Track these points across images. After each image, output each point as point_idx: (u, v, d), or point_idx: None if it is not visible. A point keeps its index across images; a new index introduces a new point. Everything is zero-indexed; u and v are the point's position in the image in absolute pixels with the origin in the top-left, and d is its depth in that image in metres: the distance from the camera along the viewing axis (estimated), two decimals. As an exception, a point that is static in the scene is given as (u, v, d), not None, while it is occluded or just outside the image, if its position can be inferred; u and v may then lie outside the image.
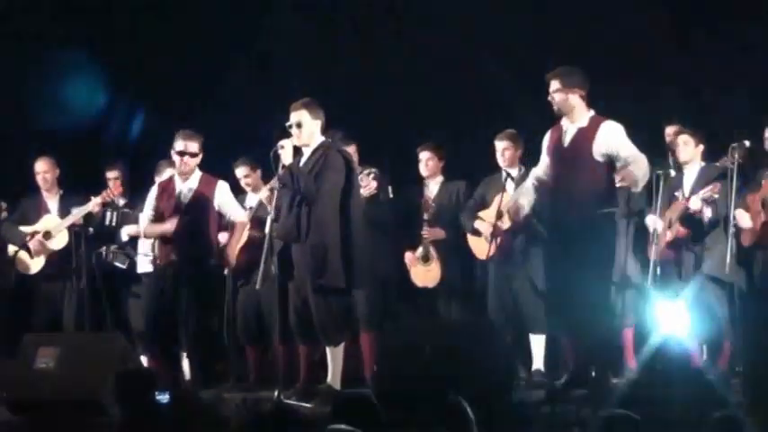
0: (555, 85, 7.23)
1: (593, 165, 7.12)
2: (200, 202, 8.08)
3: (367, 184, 8.18)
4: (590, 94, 7.26)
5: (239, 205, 8.33)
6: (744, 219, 7.87)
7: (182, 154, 8.03)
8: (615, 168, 7.14)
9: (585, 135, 7.18)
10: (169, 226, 8.02)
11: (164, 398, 4.91)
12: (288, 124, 7.43)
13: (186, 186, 8.11)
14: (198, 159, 8.10)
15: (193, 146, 8.04)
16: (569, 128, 7.26)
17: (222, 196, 8.13)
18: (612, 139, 7.12)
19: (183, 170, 8.08)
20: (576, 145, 7.20)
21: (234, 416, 6.30)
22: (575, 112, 7.23)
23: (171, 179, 8.22)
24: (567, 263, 7.10)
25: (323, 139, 7.51)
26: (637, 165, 7.09)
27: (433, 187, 8.79)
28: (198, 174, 8.13)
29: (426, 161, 8.75)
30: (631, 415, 4.69)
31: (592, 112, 7.25)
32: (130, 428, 4.80)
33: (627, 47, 9.15)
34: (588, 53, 8.97)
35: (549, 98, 7.24)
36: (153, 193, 8.24)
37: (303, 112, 7.43)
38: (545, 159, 7.43)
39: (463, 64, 9.61)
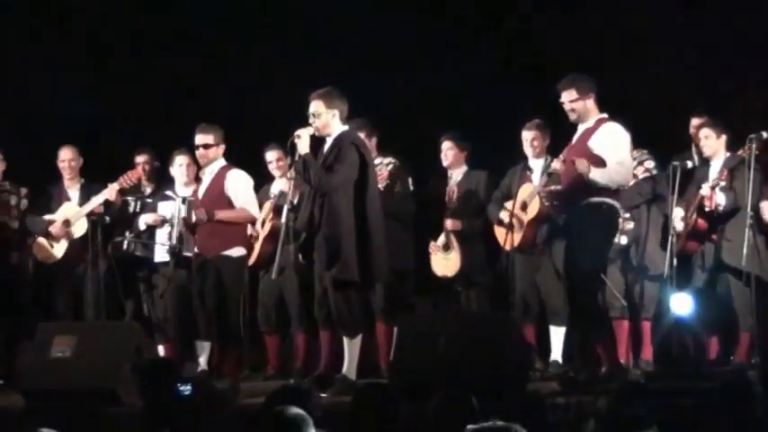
0: (572, 94, 7.23)
1: (589, 158, 7.11)
2: (215, 192, 8.16)
3: (380, 174, 8.18)
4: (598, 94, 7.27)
5: (253, 196, 8.28)
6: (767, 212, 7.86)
7: (197, 147, 8.21)
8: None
9: (589, 133, 7.23)
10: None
11: (186, 389, 4.91)
12: (308, 113, 7.45)
13: (206, 179, 8.26)
14: (216, 150, 8.20)
15: (207, 138, 8.18)
16: (580, 129, 7.32)
17: (232, 183, 8.18)
18: (606, 136, 7.15)
19: (201, 162, 8.27)
20: (579, 143, 7.26)
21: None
22: (589, 116, 7.27)
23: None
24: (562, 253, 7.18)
25: (343, 129, 7.51)
26: (611, 169, 7.08)
27: (456, 177, 8.77)
28: (219, 165, 8.23)
29: (446, 151, 8.72)
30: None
31: (603, 115, 7.29)
32: (152, 418, 4.82)
33: (639, 36, 9.13)
34: (604, 43, 8.97)
35: (568, 108, 7.25)
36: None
37: (319, 103, 7.43)
38: None
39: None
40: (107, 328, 7.88)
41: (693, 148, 8.36)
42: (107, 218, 8.71)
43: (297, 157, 7.37)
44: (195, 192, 8.32)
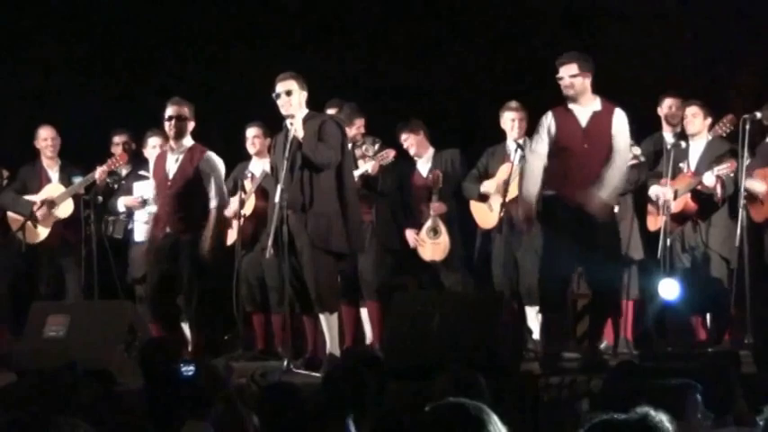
0: (573, 69, 7.17)
1: (610, 148, 7.16)
2: (186, 171, 7.94)
3: (385, 155, 8.30)
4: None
5: (223, 188, 8.04)
6: (757, 185, 7.85)
7: (170, 118, 7.93)
8: None
9: (603, 118, 7.20)
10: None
11: (188, 369, 4.88)
12: (275, 94, 7.43)
13: (174, 157, 8.00)
14: (187, 125, 7.95)
15: (183, 110, 7.94)
16: (581, 111, 7.25)
17: (206, 166, 7.95)
18: (621, 126, 7.18)
19: (171, 134, 7.98)
20: (597, 128, 7.21)
21: (246, 388, 6.35)
22: (586, 95, 7.23)
23: (164, 151, 8.17)
24: (579, 243, 7.12)
25: (307, 110, 7.52)
26: (617, 159, 7.14)
27: (424, 164, 8.75)
28: (188, 144, 8.00)
29: (405, 141, 8.73)
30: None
31: (599, 98, 7.26)
32: (154, 397, 4.82)
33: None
34: (587, 23, 8.98)
35: (567, 83, 7.18)
36: (152, 165, 8.25)
37: (292, 82, 7.45)
38: (545, 140, 7.33)
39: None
40: (101, 307, 7.86)
41: (665, 129, 8.38)
42: (100, 198, 8.68)
43: (291, 137, 7.37)
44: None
